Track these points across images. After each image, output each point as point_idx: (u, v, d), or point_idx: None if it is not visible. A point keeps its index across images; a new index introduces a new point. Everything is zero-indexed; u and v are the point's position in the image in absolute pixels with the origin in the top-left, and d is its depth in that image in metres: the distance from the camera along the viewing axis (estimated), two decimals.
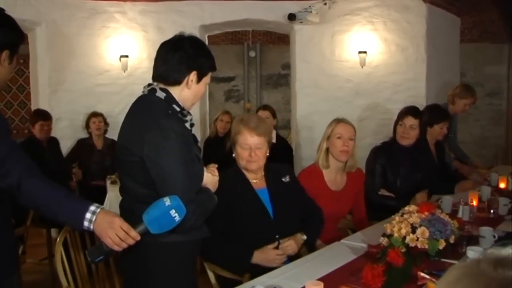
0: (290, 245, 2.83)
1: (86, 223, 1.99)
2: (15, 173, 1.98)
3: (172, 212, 1.99)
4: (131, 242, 2.00)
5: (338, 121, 3.51)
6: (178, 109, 2.26)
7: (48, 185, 2.05)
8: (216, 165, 2.43)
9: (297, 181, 3.17)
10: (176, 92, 2.28)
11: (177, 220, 2.01)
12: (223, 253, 2.83)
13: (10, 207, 2.17)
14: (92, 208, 2.01)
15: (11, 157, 2.01)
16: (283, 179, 3.06)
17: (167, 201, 2.00)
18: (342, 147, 3.40)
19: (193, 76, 2.28)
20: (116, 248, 2.00)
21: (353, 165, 3.55)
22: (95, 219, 1.99)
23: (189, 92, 2.30)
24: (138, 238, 2.01)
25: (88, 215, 1.99)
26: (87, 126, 6.18)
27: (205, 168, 2.35)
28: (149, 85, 2.33)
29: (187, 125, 2.30)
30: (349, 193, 3.55)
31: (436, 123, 4.57)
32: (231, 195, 2.84)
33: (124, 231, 1.98)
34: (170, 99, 2.26)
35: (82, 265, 2.70)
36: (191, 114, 2.38)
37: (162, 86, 2.28)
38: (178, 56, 2.28)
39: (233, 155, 3.01)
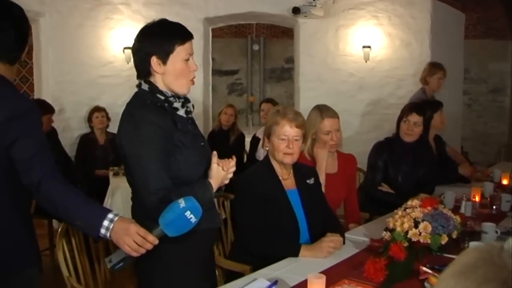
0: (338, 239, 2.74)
1: (103, 231, 1.97)
2: (38, 171, 1.97)
3: (188, 213, 1.97)
4: (149, 246, 1.98)
5: (322, 116, 3.42)
6: (162, 97, 2.25)
7: (68, 189, 2.03)
8: (232, 160, 2.33)
9: (320, 185, 3.11)
10: (156, 80, 2.27)
11: (193, 222, 1.98)
12: (270, 246, 2.76)
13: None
14: (110, 216, 1.98)
15: (38, 155, 1.99)
16: (308, 181, 2.99)
17: (181, 203, 1.97)
18: (331, 142, 3.40)
19: (154, 62, 2.23)
20: (135, 254, 1.98)
21: (339, 144, 3.53)
22: (113, 227, 1.97)
23: (167, 76, 2.26)
24: (156, 242, 1.99)
25: (105, 223, 1.97)
26: (89, 120, 6.16)
27: (214, 160, 2.28)
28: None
29: (181, 112, 2.29)
30: (342, 176, 3.53)
31: (435, 112, 4.58)
32: (264, 192, 2.79)
33: (141, 236, 1.96)
34: (153, 89, 2.26)
35: (84, 256, 2.71)
36: (188, 101, 2.36)
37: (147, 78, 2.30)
38: (134, 50, 2.30)
39: (267, 148, 2.95)
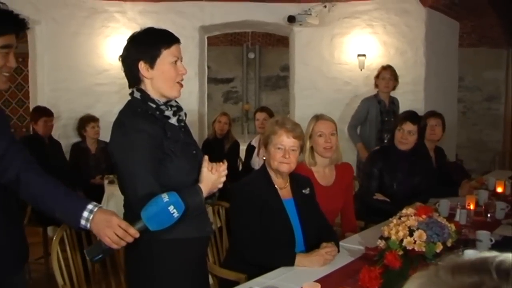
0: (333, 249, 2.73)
1: (83, 222, 1.98)
2: (14, 167, 1.98)
3: (171, 208, 1.99)
4: (130, 239, 2.00)
5: (317, 118, 3.50)
6: (153, 105, 2.26)
7: (47, 181, 2.04)
8: (223, 164, 2.31)
9: (315, 195, 3.11)
10: (147, 87, 2.29)
11: (175, 216, 2.00)
12: (266, 255, 2.74)
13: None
14: (90, 206, 2.00)
15: (9, 152, 2.00)
16: (303, 191, 3.00)
17: (165, 197, 2.00)
18: (325, 144, 3.40)
19: (142, 67, 2.26)
20: (115, 246, 1.99)
21: (338, 158, 3.53)
22: (92, 218, 1.98)
23: (156, 81, 2.28)
24: (137, 235, 2.00)
25: (85, 214, 1.98)
26: (82, 129, 6.03)
27: (204, 165, 2.27)
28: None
29: (173, 121, 2.30)
30: (340, 187, 3.54)
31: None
32: (260, 201, 2.79)
33: (123, 229, 1.97)
34: (145, 97, 2.28)
35: (78, 264, 2.71)
36: (180, 109, 2.37)
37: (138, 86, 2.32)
38: (122, 58, 2.33)
39: (263, 158, 2.97)
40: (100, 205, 2.04)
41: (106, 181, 5.26)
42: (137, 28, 2.40)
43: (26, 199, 2.06)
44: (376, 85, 5.86)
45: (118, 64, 6.67)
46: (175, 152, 2.25)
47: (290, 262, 2.63)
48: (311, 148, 3.47)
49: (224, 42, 10.66)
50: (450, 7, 6.93)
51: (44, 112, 5.57)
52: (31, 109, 6.63)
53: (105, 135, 5.84)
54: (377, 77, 5.85)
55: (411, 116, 4.15)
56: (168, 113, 2.29)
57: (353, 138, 5.87)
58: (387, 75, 5.80)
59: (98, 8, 6.54)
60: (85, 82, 6.54)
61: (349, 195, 3.70)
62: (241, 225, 2.80)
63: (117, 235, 1.97)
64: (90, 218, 1.98)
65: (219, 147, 6.18)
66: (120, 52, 2.35)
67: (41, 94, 6.47)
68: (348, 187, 3.66)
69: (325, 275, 2.50)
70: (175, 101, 2.39)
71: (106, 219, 1.98)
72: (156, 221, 2.00)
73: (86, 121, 6.00)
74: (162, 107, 2.28)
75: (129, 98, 2.36)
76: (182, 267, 2.32)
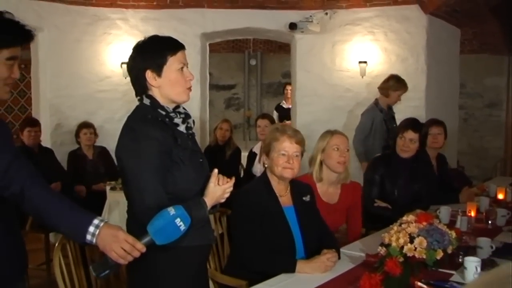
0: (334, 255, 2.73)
1: (88, 237, 1.97)
2: (18, 182, 1.96)
3: (177, 221, 1.98)
4: (137, 254, 1.98)
5: (332, 133, 3.50)
6: (163, 113, 2.27)
7: (52, 195, 2.03)
8: (231, 181, 2.30)
9: (315, 202, 3.12)
10: (155, 94, 2.29)
11: (182, 229, 2.00)
12: (266, 262, 2.74)
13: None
14: (96, 221, 1.98)
15: (13, 166, 1.98)
16: (304, 198, 3.01)
17: (171, 210, 1.99)
18: (340, 158, 3.39)
19: (149, 76, 2.26)
20: (122, 261, 1.97)
21: (346, 177, 3.51)
22: (99, 233, 1.96)
23: (163, 88, 2.28)
24: (144, 250, 1.99)
25: (91, 229, 1.96)
26: (77, 135, 6.00)
27: (212, 180, 2.26)
28: None
29: (182, 128, 2.30)
30: (343, 206, 3.53)
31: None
32: (261, 208, 2.80)
33: (130, 244, 1.96)
34: (154, 104, 2.28)
35: (80, 271, 2.71)
36: (188, 116, 2.38)
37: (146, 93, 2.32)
38: (129, 68, 2.34)
39: (265, 165, 2.97)
40: (106, 220, 2.02)
41: (108, 188, 5.26)
42: (139, 35, 2.41)
43: (30, 213, 2.06)
44: (386, 95, 5.65)
45: (120, 71, 6.70)
46: (183, 160, 2.25)
47: (291, 269, 2.63)
48: (321, 163, 3.47)
49: (225, 48, 10.69)
50: (451, 14, 6.95)
51: (28, 123, 5.61)
52: (33, 115, 6.67)
53: (106, 141, 5.93)
54: (393, 89, 5.62)
55: (412, 124, 4.15)
56: (177, 120, 2.30)
57: (361, 155, 5.66)
58: (404, 92, 5.67)
59: (100, 15, 6.57)
60: (87, 89, 6.57)
61: (357, 213, 3.65)
62: (242, 232, 2.81)
63: (124, 250, 1.96)
64: (96, 233, 1.96)
65: (221, 154, 6.18)
66: (122, 59, 2.37)
67: (43, 101, 6.49)
68: (354, 206, 3.61)
69: (326, 282, 2.50)
70: (183, 108, 2.39)
71: (112, 234, 1.96)
72: (163, 234, 1.99)
73: (80, 128, 5.98)
74: (172, 114, 2.29)
75: (131, 104, 2.37)
76: (183, 274, 2.33)
